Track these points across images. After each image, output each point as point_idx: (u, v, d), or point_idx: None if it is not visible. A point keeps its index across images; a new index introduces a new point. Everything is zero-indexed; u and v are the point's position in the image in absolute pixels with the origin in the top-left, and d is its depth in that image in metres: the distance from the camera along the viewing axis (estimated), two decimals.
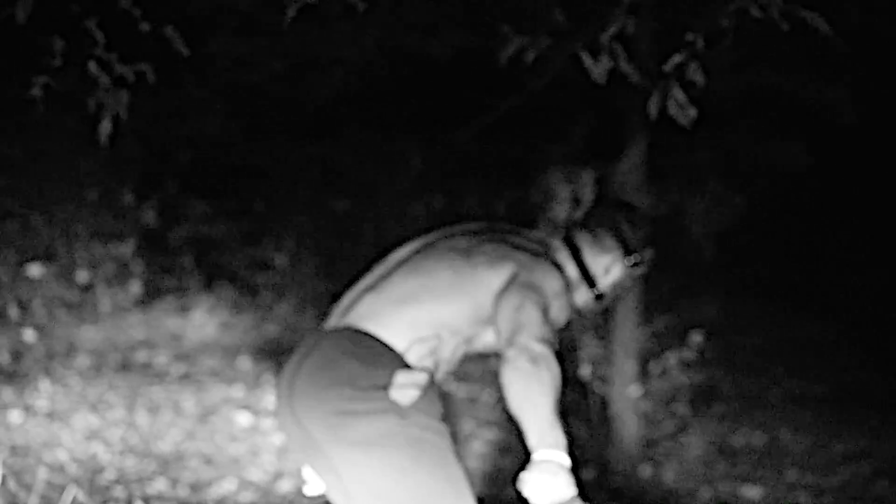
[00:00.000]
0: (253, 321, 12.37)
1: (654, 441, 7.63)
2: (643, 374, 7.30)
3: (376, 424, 3.19)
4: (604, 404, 7.39)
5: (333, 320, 3.50)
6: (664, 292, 9.85)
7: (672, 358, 7.40)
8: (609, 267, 3.61)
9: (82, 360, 10.26)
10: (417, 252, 3.54)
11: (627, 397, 7.06)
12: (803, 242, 14.88)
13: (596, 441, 7.54)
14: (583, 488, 3.21)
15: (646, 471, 7.12)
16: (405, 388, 3.21)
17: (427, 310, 3.32)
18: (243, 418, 8.34)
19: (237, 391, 9.20)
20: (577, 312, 3.63)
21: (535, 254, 3.46)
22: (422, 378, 3.24)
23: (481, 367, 11.14)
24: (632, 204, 3.89)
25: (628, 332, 7.06)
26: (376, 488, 3.22)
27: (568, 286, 3.45)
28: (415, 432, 3.21)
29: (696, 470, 7.33)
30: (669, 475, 7.14)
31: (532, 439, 3.09)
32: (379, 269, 3.58)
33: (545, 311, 3.24)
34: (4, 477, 6.10)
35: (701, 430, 8.36)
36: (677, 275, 14.45)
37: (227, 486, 6.70)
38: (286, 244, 13.53)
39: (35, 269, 11.49)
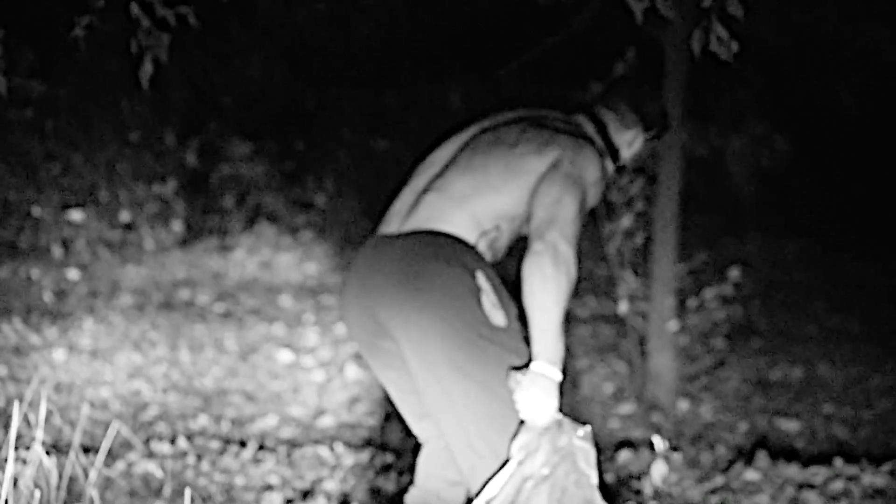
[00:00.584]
0: (294, 260, 12.37)
1: (692, 376, 7.59)
2: (681, 310, 7.25)
3: (472, 327, 3.33)
4: (642, 340, 7.35)
5: (394, 225, 3.57)
6: (704, 230, 9.81)
7: (710, 293, 7.33)
8: (632, 141, 3.82)
9: (125, 299, 10.29)
10: (463, 149, 3.63)
11: (666, 333, 7.01)
12: (845, 182, 14.76)
13: (635, 376, 7.51)
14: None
15: (684, 405, 7.09)
16: (495, 309, 3.36)
17: (487, 204, 3.44)
18: (284, 356, 8.35)
19: (278, 329, 9.21)
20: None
21: (576, 135, 3.58)
22: (496, 298, 3.37)
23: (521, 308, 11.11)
24: (649, 82, 3.99)
25: (667, 268, 7.00)
26: (466, 390, 3.34)
27: (604, 169, 3.57)
28: (514, 340, 3.38)
29: (733, 404, 7.30)
30: (707, 409, 7.11)
31: (535, 346, 3.29)
32: (427, 171, 3.67)
33: (582, 204, 3.39)
34: (49, 413, 6.13)
35: (738, 364, 8.32)
36: (717, 213, 14.36)
37: (269, 421, 6.72)
38: (327, 184, 13.51)
39: (77, 214, 11.51)
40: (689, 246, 7.31)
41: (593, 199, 3.50)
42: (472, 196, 3.45)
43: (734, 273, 7.22)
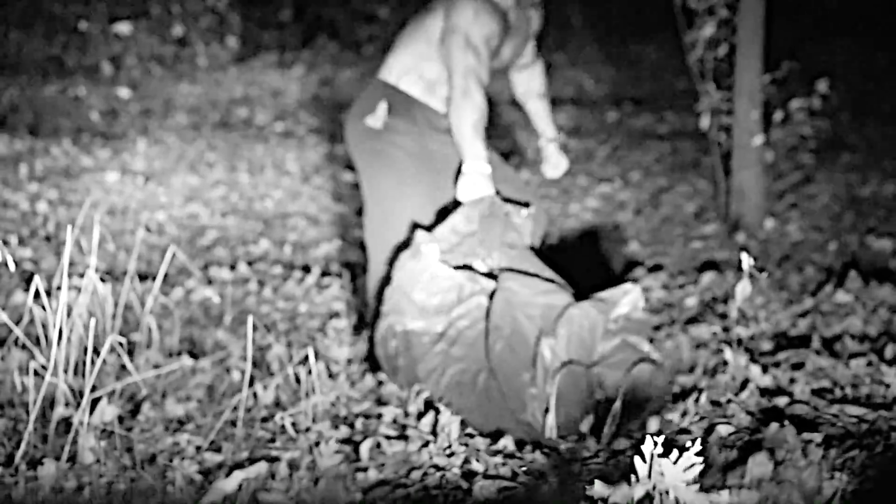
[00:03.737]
0: (356, 76, 12.24)
1: (778, 193, 7.44)
2: (767, 124, 7.07)
3: (361, 142, 4.56)
4: (726, 156, 7.20)
5: None
6: (789, 38, 9.54)
7: (797, 105, 7.13)
8: None
9: (180, 119, 10.22)
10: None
11: (750, 148, 6.84)
12: None
13: (718, 194, 7.37)
14: None
15: (770, 224, 6.95)
16: (375, 117, 4.50)
17: (403, 52, 4.56)
18: (348, 176, 8.27)
19: (340, 149, 9.12)
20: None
21: None
22: (382, 113, 4.51)
23: (598, 121, 10.96)
24: None
25: (752, 79, 6.81)
26: (367, 190, 4.62)
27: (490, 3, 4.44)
28: (383, 148, 4.49)
29: (822, 222, 7.15)
30: (795, 228, 6.96)
31: (461, 155, 4.36)
32: None
33: (467, 43, 4.33)
34: (103, 238, 6.10)
35: (827, 180, 8.15)
36: (803, 19, 14.02)
37: (333, 245, 6.66)
38: None
39: (125, 27, 11.40)
40: (775, 55, 7.08)
41: (483, 29, 4.36)
42: (397, 47, 4.61)
43: (822, 85, 7.01)
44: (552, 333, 3.84)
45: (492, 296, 4.06)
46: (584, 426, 3.77)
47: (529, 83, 5.08)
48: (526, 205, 4.49)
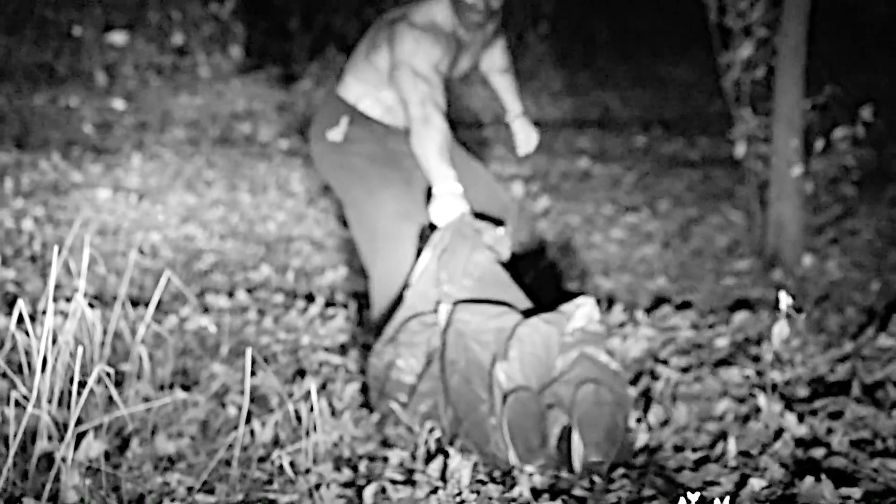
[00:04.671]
0: None
1: (817, 227, 7.42)
2: (807, 153, 7.06)
3: (326, 157, 4.93)
4: (762, 186, 7.18)
5: None
6: (832, 61, 9.55)
7: (839, 134, 7.13)
8: None
9: (177, 133, 10.23)
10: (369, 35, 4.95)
11: (789, 178, 6.83)
12: None
13: (753, 227, 7.36)
14: None
15: (808, 261, 6.94)
16: (336, 132, 4.86)
17: (357, 77, 4.87)
18: None
19: None
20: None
21: (396, 21, 4.74)
22: (343, 126, 4.86)
23: (625, 146, 10.96)
24: None
25: (791, 104, 6.80)
26: (341, 195, 4.98)
27: (428, 27, 4.69)
28: (346, 159, 4.85)
29: (864, 259, 7.14)
30: (834, 266, 6.95)
31: (429, 180, 4.62)
32: None
33: (415, 74, 4.59)
34: (93, 260, 6.09)
35: (870, 214, 8.13)
36: (845, 41, 14.02)
37: (339, 273, 6.65)
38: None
39: (121, 35, 11.43)
40: (816, 79, 7.07)
41: (428, 54, 4.62)
42: (355, 72, 4.89)
43: (866, 112, 7.00)
44: (504, 357, 4.05)
45: (445, 331, 4.25)
46: (548, 453, 3.94)
47: (492, 59, 5.32)
48: (500, 222, 4.81)
